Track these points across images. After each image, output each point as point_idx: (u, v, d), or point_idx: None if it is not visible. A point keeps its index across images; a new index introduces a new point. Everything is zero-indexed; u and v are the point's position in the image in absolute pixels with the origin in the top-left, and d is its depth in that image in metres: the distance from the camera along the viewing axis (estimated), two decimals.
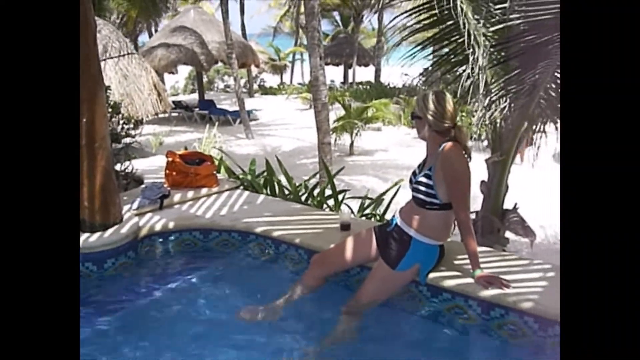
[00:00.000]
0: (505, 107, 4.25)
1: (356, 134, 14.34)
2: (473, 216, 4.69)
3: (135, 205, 4.12)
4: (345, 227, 3.67)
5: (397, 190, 5.40)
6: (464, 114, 12.37)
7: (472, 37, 3.85)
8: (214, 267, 3.80)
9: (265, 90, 33.28)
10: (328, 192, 5.38)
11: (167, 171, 4.68)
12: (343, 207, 5.12)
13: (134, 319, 3.24)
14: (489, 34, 4.14)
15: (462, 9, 3.79)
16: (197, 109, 20.94)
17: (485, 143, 5.38)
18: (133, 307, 3.36)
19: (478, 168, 3.39)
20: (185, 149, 6.78)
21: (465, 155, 2.86)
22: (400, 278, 2.97)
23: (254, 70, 30.75)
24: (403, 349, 2.93)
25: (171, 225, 3.94)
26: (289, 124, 19.79)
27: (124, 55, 12.94)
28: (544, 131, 4.36)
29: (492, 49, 4.11)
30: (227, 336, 3.02)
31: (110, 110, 5.50)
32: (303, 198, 5.31)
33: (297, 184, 5.63)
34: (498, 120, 4.55)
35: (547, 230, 7.18)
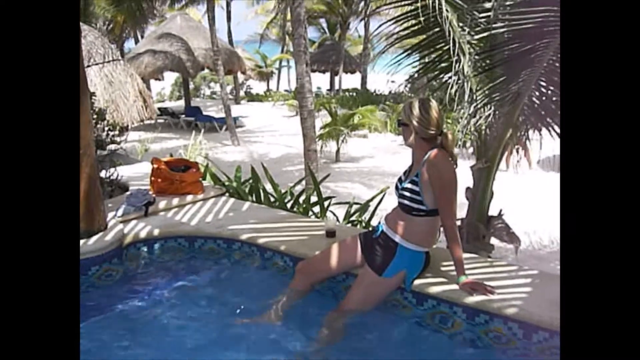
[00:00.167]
0: (489, 114, 4.27)
1: (342, 141, 14.37)
2: (459, 223, 4.71)
3: (120, 212, 4.09)
4: (330, 234, 3.68)
5: (383, 197, 5.42)
6: (449, 120, 12.43)
7: (457, 45, 3.87)
8: (199, 274, 3.78)
9: (252, 97, 33.28)
10: (314, 199, 5.38)
11: (153, 178, 4.66)
12: (329, 214, 5.13)
13: (118, 327, 3.21)
14: (474, 42, 4.18)
15: (447, 17, 3.82)
16: (183, 116, 20.92)
17: (471, 150, 5.41)
18: (117, 314, 3.32)
19: (463, 175, 3.41)
20: (171, 155, 6.76)
21: (452, 162, 2.88)
22: (386, 284, 2.97)
23: (241, 76, 30.78)
24: (387, 353, 2.94)
25: (156, 232, 3.91)
26: (275, 131, 19.80)
27: (109, 62, 12.85)
28: (528, 138, 4.40)
29: (476, 57, 4.15)
30: (212, 343, 3.00)
31: (95, 116, 5.47)
32: (289, 205, 5.31)
33: (283, 191, 5.63)
34: (483, 128, 4.58)
35: (532, 236, 7.23)
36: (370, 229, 3.44)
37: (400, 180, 3.05)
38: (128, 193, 4.49)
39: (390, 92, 24.92)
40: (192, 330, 3.17)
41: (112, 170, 5.34)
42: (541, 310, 2.61)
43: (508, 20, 3.66)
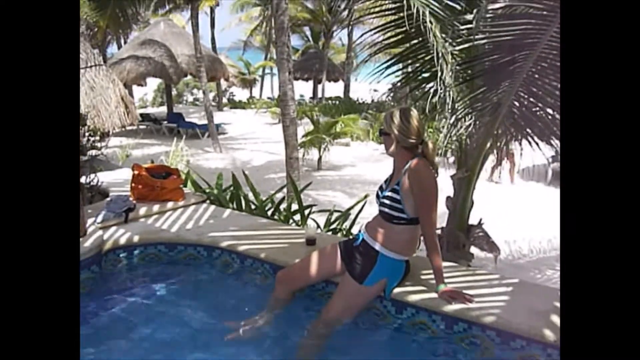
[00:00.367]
0: (470, 124, 4.31)
1: (324, 149, 14.40)
2: (439, 232, 4.74)
3: (99, 218, 4.05)
4: (310, 242, 3.68)
5: (364, 205, 5.44)
6: (430, 130, 12.51)
7: (440, 55, 3.91)
8: (179, 281, 3.75)
9: (235, 104, 33.24)
10: (295, 207, 5.38)
11: (133, 184, 4.63)
12: (309, 222, 5.13)
13: (97, 334, 3.17)
14: (455, 52, 4.22)
15: (430, 29, 3.86)
16: (165, 122, 20.83)
17: (452, 159, 5.45)
18: (96, 321, 3.29)
19: (444, 184, 3.44)
20: (152, 162, 6.73)
21: (433, 171, 2.90)
22: (367, 292, 2.98)
23: (224, 83, 30.70)
24: None
25: (136, 238, 3.88)
26: (257, 138, 19.80)
27: (91, 67, 12.76)
28: (508, 148, 4.45)
29: (458, 67, 4.19)
30: (191, 351, 2.99)
31: None
32: (269, 213, 5.30)
33: (264, 199, 5.63)
34: (463, 137, 4.62)
35: (512, 245, 7.30)
36: (351, 237, 3.44)
37: (381, 188, 3.07)
38: (108, 199, 4.45)
39: (372, 101, 25.05)
40: (170, 337, 3.15)
41: (92, 176, 5.30)
42: (519, 318, 2.63)
43: (489, 32, 3.71)
